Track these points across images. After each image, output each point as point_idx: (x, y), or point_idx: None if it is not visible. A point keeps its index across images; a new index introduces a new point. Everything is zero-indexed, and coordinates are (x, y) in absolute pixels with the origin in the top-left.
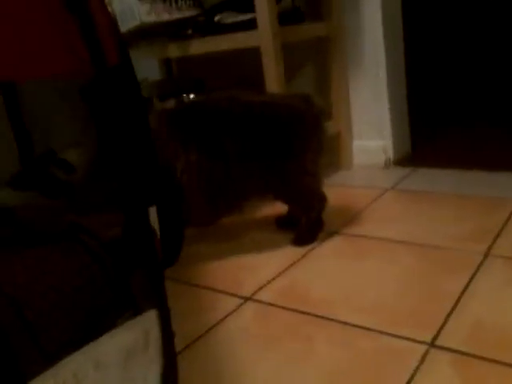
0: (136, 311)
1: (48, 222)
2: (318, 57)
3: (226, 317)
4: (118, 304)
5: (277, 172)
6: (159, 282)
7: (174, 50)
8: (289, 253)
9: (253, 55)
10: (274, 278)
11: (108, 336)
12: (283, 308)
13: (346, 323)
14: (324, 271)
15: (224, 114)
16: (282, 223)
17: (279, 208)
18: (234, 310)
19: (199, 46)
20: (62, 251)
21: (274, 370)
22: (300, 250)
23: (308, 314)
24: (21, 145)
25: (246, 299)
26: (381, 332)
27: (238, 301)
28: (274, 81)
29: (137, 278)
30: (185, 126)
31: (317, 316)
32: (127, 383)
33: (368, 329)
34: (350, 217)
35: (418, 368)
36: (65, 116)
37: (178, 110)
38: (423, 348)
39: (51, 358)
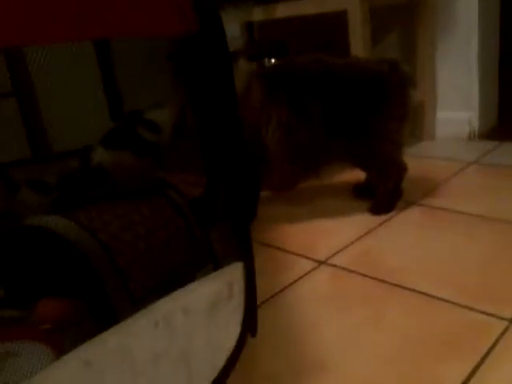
0: (215, 265)
1: (138, 179)
2: (406, 21)
3: (299, 278)
4: (199, 257)
5: (358, 136)
6: (246, 236)
7: (259, 14)
8: (365, 220)
9: (335, 18)
10: (349, 244)
11: (196, 284)
12: (358, 273)
13: (421, 293)
14: (401, 241)
15: (310, 75)
16: (358, 191)
17: (357, 175)
18: (309, 272)
19: (285, 10)
20: (150, 205)
21: (345, 332)
22: (377, 219)
23: (383, 281)
24: (111, 102)
25: (321, 263)
26: (458, 304)
27: (312, 264)
28: (359, 45)
29: (216, 233)
30: (277, 87)
31: (392, 284)
32: (211, 329)
33: (444, 300)
34: (430, 189)
35: (495, 344)
36: (152, 76)
37: (269, 71)
38: (503, 324)
39: (138, 302)
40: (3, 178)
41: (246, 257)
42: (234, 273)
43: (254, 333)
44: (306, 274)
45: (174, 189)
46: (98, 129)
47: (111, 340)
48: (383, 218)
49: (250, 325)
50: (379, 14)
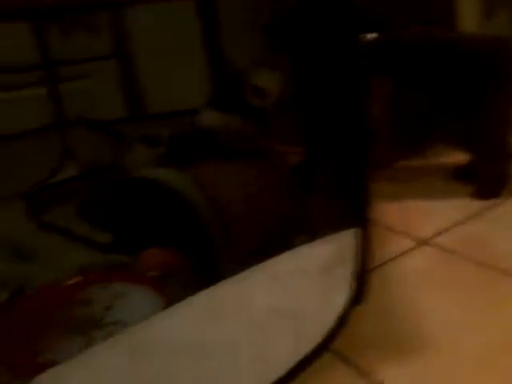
0: (313, 235)
1: (245, 143)
2: None
3: (400, 255)
4: (298, 224)
5: (466, 115)
6: (364, 201)
7: None
8: (467, 204)
9: None
10: (451, 227)
11: (312, 245)
12: (462, 256)
13: None
14: (509, 228)
15: (420, 49)
16: (459, 174)
17: (457, 157)
18: (409, 251)
19: None
20: (255, 168)
21: (451, 314)
22: (480, 203)
23: (490, 266)
24: (213, 64)
25: (422, 242)
26: None
27: (412, 243)
28: (469, 20)
29: (315, 202)
30: (383, 59)
31: (500, 270)
32: (322, 291)
33: None
34: None
35: None
36: (256, 39)
37: (373, 43)
38: None
39: (240, 260)
40: (112, 132)
41: (361, 222)
42: (348, 238)
43: (359, 301)
44: (406, 252)
45: (278, 155)
46: (198, 91)
47: (231, 289)
48: (488, 203)
49: (359, 292)
50: None
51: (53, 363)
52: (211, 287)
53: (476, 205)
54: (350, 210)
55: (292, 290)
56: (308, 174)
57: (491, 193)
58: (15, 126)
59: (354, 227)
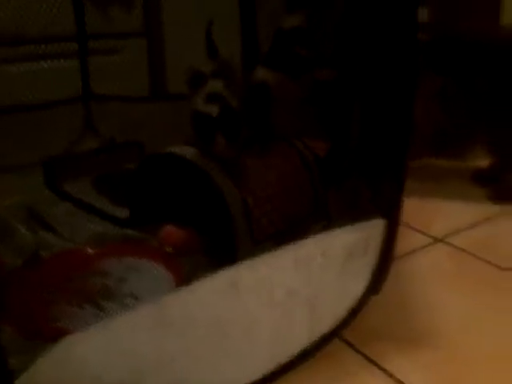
0: (329, 223)
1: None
2: None
3: (414, 251)
4: (316, 213)
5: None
6: (399, 193)
7: None
8: (485, 207)
9: None
10: (467, 227)
11: (338, 231)
12: (476, 257)
13: None
14: None
15: (479, 45)
16: (479, 177)
17: (477, 161)
18: (424, 247)
19: None
20: (281, 154)
21: (459, 310)
22: (497, 207)
23: (504, 269)
24: (246, 50)
25: (437, 240)
26: None
27: (427, 239)
28: None
29: (334, 193)
30: (435, 55)
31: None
32: (341, 278)
33: None
34: None
35: None
36: None
37: (430, 38)
38: None
39: (258, 244)
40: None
41: (390, 213)
42: (374, 228)
43: (376, 291)
44: (421, 248)
45: (303, 142)
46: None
47: (254, 269)
48: (506, 207)
49: (377, 282)
50: None
51: (65, 330)
52: (233, 266)
53: (492, 208)
54: (381, 200)
55: (313, 275)
56: (331, 165)
57: (510, 196)
58: (41, 96)
59: (382, 218)
